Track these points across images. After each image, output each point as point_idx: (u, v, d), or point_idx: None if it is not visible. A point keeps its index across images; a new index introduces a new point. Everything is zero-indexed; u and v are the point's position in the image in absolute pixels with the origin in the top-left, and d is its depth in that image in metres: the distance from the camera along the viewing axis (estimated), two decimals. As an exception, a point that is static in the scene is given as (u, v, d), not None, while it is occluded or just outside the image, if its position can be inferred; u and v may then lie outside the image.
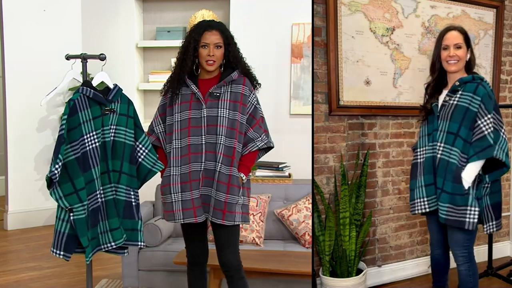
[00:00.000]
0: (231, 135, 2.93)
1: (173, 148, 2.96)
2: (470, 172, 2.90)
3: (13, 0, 5.47)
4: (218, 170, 2.91)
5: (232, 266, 3.01)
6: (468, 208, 2.91)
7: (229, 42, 2.97)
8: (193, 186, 2.94)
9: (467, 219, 2.92)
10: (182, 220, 2.95)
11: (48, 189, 2.73)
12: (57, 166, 2.69)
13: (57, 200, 2.74)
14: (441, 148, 3.00)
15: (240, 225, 3.06)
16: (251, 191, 3.13)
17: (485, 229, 3.01)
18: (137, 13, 5.57)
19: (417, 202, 3.08)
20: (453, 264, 3.20)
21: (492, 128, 2.87)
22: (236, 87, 2.98)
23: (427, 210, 3.07)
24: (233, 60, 2.98)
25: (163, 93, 3.08)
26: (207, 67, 2.95)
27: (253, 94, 3.03)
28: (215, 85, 2.97)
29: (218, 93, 2.96)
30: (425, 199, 3.06)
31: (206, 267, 3.21)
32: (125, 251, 3.01)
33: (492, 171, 2.95)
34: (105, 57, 2.98)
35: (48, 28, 5.65)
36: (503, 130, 2.90)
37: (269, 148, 3.08)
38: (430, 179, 3.05)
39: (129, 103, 2.97)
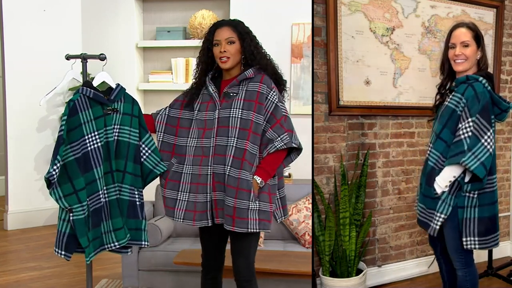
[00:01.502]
0: (243, 136, 2.75)
1: (188, 145, 2.86)
2: (443, 176, 2.77)
3: (13, 0, 5.47)
4: (227, 173, 2.74)
5: (242, 276, 2.85)
6: (435, 213, 2.82)
7: (243, 38, 2.81)
8: (200, 189, 2.79)
9: (432, 224, 2.85)
10: (181, 220, 2.83)
11: (48, 189, 2.73)
12: (55, 167, 2.68)
13: (56, 200, 2.74)
14: (429, 149, 2.93)
15: (261, 233, 2.76)
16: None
17: (464, 244, 2.81)
18: (137, 13, 5.57)
19: (416, 207, 3.06)
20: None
21: (470, 133, 2.70)
22: (253, 85, 2.80)
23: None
24: (248, 56, 2.81)
25: (184, 93, 2.97)
26: (221, 64, 2.81)
27: (273, 92, 2.81)
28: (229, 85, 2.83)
29: (234, 93, 2.81)
30: (419, 203, 3.02)
31: (220, 275, 3.03)
32: (129, 250, 2.98)
33: (474, 181, 2.74)
34: (105, 57, 2.97)
35: (48, 28, 5.65)
36: (485, 137, 2.68)
37: (299, 149, 2.87)
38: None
39: (133, 102, 2.93)
